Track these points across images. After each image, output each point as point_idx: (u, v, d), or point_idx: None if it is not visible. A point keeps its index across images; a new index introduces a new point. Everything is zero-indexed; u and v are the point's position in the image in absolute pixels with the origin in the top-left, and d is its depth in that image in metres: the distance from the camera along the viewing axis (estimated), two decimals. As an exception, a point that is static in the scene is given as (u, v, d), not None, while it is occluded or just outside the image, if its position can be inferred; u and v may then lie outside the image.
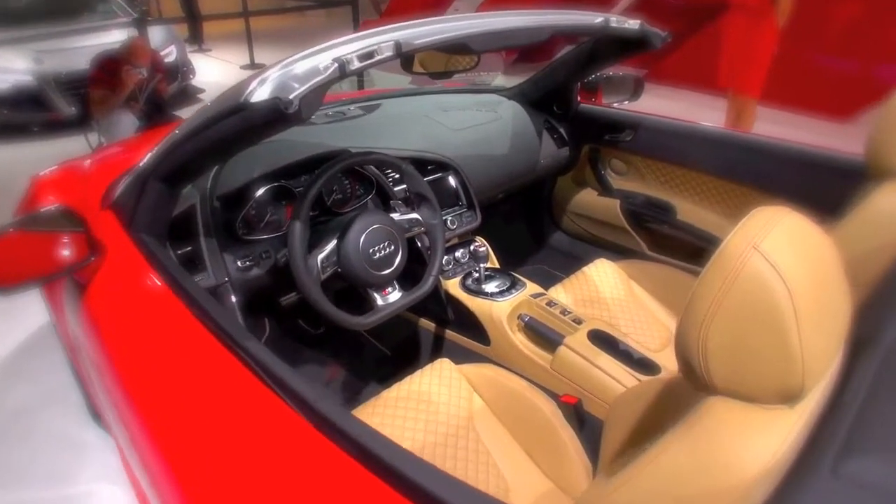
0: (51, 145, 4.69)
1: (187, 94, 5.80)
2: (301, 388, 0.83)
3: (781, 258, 0.57)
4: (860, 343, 0.71)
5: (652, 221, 2.08)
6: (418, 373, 1.42)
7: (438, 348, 1.77)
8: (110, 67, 3.56)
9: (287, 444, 0.82)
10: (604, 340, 1.46)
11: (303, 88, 0.89)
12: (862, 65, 4.69)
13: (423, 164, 1.73)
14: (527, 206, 2.45)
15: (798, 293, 0.56)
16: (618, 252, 2.19)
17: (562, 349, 1.44)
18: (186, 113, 2.45)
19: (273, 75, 0.92)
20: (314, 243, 1.29)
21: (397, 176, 1.60)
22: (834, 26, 4.80)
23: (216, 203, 1.36)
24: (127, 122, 3.55)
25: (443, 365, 1.44)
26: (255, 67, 6.91)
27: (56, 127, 4.85)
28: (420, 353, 1.82)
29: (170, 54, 5.38)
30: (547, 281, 1.77)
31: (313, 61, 0.94)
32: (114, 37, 4.82)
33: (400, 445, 0.74)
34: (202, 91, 5.98)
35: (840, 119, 4.44)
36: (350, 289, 1.35)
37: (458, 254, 1.77)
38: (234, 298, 1.30)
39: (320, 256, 1.24)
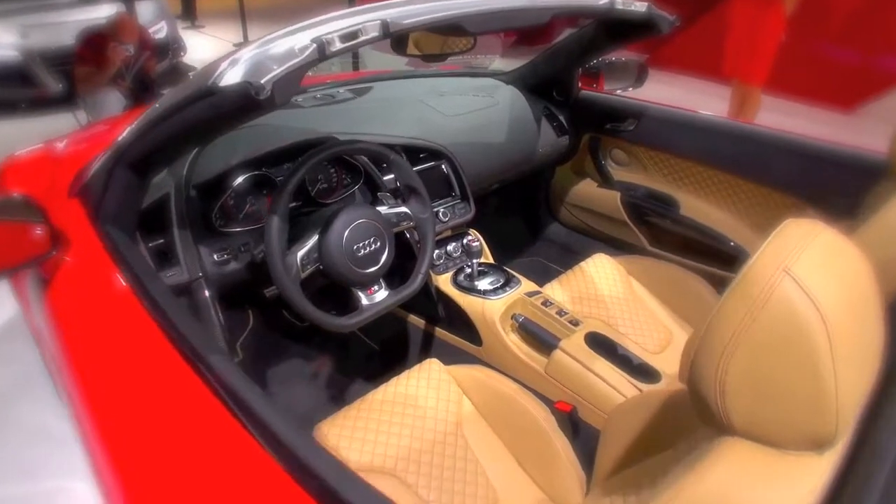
0: (42, 123, 4.56)
1: (178, 73, 5.66)
2: (264, 412, 0.75)
3: (815, 283, 0.49)
4: (892, 372, 0.63)
5: (653, 216, 2.00)
6: (405, 374, 1.35)
7: (427, 347, 1.69)
8: (96, 44, 3.45)
9: (240, 473, 0.74)
10: (602, 344, 1.39)
11: (276, 72, 0.80)
12: (867, 55, 4.59)
13: (415, 152, 1.64)
14: (523, 196, 2.37)
15: (834, 325, 0.48)
16: (617, 247, 2.12)
17: (557, 353, 1.37)
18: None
19: (245, 56, 0.83)
20: (295, 237, 1.20)
21: (386, 165, 1.52)
22: (840, 15, 4.69)
23: (192, 192, 1.27)
24: (113, 101, 3.44)
25: (431, 366, 1.37)
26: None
27: (44, 104, 4.71)
28: (409, 350, 1.75)
29: (159, 31, 5.22)
30: (543, 276, 1.70)
31: (290, 42, 0.85)
32: (103, 11, 4.65)
33: (371, 486, 0.65)
34: (193, 69, 5.84)
35: (844, 110, 4.35)
36: (334, 286, 1.27)
37: (449, 247, 1.69)
38: (207, 293, 1.22)
39: (300, 253, 1.15)
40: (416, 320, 1.71)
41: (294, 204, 1.40)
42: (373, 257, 1.22)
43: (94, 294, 1.07)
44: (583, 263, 1.75)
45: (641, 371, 1.34)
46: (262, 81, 0.79)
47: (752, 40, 3.65)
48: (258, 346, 1.80)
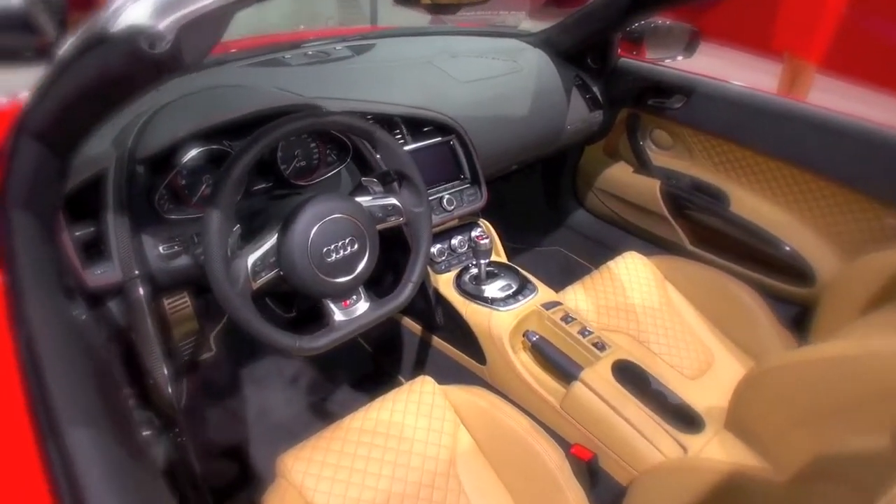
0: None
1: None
2: None
3: None
4: None
5: (697, 210, 1.73)
6: (391, 394, 1.12)
7: (423, 357, 1.44)
8: (90, -12, 3.17)
9: None
10: (632, 376, 1.14)
11: (182, 12, 0.53)
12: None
13: (418, 124, 1.37)
14: (545, 178, 2.09)
15: None
16: (652, 243, 1.87)
17: (577, 386, 1.12)
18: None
19: None
20: (255, 231, 0.95)
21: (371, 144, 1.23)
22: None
23: (139, 168, 1.01)
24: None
25: (424, 387, 1.13)
26: None
27: (47, 54, 4.47)
28: (402, 355, 1.50)
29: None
30: (564, 271, 1.46)
31: None
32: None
33: None
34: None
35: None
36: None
37: (454, 241, 1.42)
38: (142, 291, 0.96)
39: (254, 256, 0.89)
40: (411, 324, 1.46)
41: (262, 185, 1.14)
42: (347, 264, 0.96)
43: None
44: (611, 263, 1.49)
45: (680, 415, 1.09)
46: (161, 27, 0.53)
47: (810, 10, 3.29)
48: (234, 339, 1.57)
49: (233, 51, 1.41)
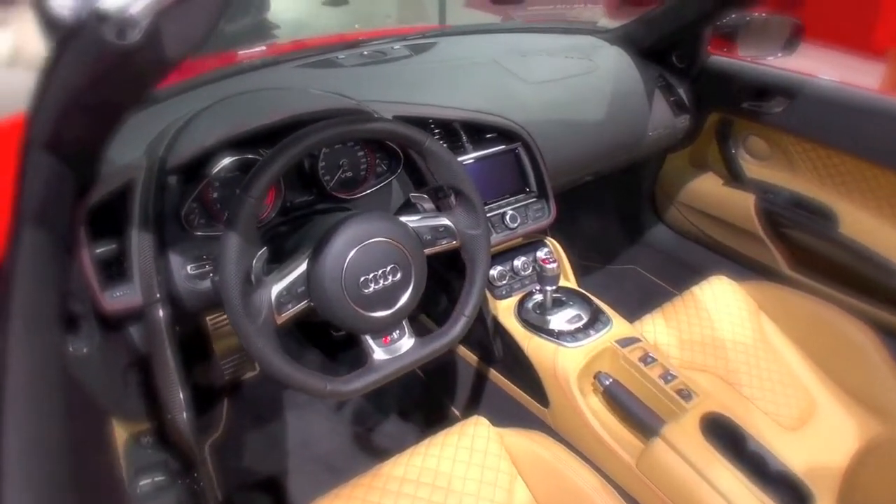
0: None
1: (262, 31, 5.41)
2: None
3: None
4: None
5: (799, 230, 1.53)
6: (440, 436, 0.98)
7: (478, 392, 1.30)
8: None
9: None
10: (724, 434, 0.96)
11: None
12: None
13: (479, 130, 1.23)
14: (621, 189, 1.90)
15: None
16: (743, 265, 1.67)
17: (658, 444, 0.94)
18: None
19: None
20: (286, 255, 0.83)
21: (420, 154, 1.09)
22: None
23: (170, 179, 0.92)
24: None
25: (477, 429, 0.99)
26: (340, 3, 6.41)
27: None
28: (456, 387, 1.36)
29: (238, -19, 4.98)
30: (641, 294, 1.29)
31: None
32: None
33: None
34: (277, 28, 5.57)
35: None
36: None
37: (517, 262, 1.27)
38: (161, 314, 0.86)
39: (278, 288, 0.77)
40: (466, 354, 1.32)
41: (303, 199, 1.02)
42: (387, 296, 0.82)
43: None
44: (696, 288, 1.31)
45: (783, 484, 0.91)
46: (133, 12, 0.41)
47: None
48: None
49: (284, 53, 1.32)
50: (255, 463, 1.35)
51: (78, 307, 0.75)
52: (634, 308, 1.27)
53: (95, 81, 0.52)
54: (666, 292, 1.78)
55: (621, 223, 1.97)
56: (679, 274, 1.75)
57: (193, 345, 1.31)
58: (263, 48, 1.42)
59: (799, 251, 1.56)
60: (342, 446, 1.38)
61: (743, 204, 1.59)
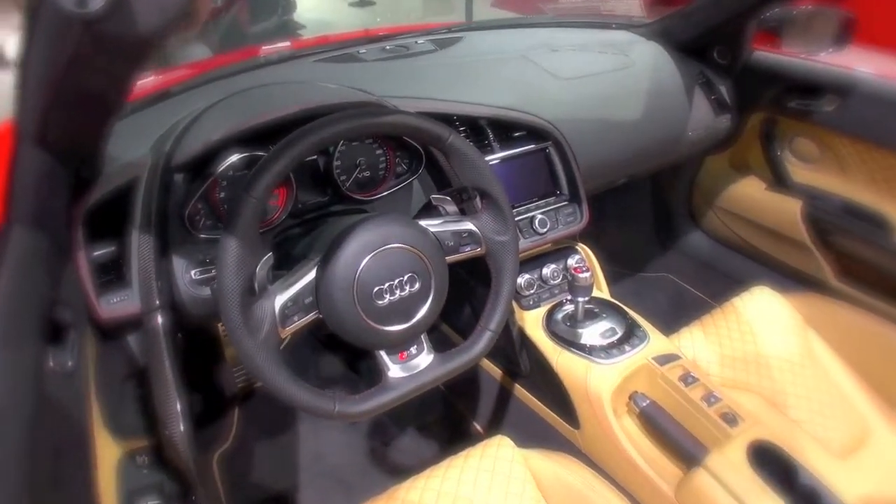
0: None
1: (287, 31, 5.37)
2: None
3: None
4: None
5: (849, 238, 1.42)
6: (461, 457, 0.91)
7: (502, 408, 1.22)
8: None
9: None
10: (774, 464, 0.87)
11: None
12: None
13: (507, 128, 1.15)
14: (655, 193, 1.81)
15: None
16: (785, 275, 1.56)
17: (700, 474, 0.86)
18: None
19: None
20: (291, 262, 0.77)
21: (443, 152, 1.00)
22: None
23: (176, 178, 0.86)
24: (199, 55, 3.18)
25: (501, 450, 0.92)
26: (367, 4, 6.35)
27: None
28: (479, 402, 1.28)
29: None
30: (674, 304, 1.20)
31: None
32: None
33: None
34: (302, 27, 5.53)
35: None
36: None
37: (546, 270, 1.18)
38: (160, 320, 0.80)
39: (283, 299, 0.70)
40: (490, 367, 1.24)
41: (316, 200, 0.95)
42: (404, 308, 0.75)
43: None
44: (737, 300, 1.22)
45: None
46: None
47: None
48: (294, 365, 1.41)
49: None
50: (264, 476, 1.29)
51: (67, 316, 0.69)
52: (668, 319, 1.19)
53: (70, 63, 0.45)
54: (701, 302, 1.69)
55: (653, 228, 1.87)
56: (715, 283, 1.66)
57: (204, 351, 1.26)
58: (287, 44, 1.37)
59: (848, 261, 1.45)
60: (356, 461, 1.31)
61: (788, 210, 1.49)
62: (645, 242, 1.86)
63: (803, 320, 1.19)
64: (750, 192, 1.60)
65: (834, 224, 1.43)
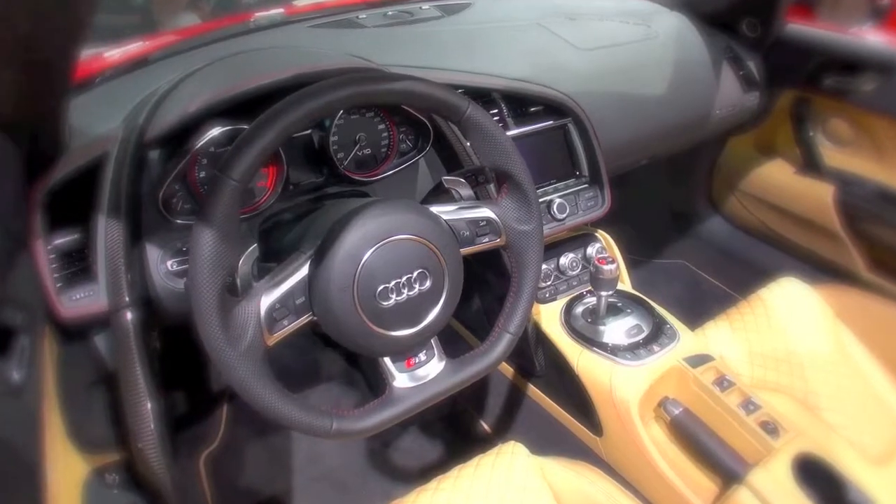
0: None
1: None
2: None
3: None
4: None
5: (885, 227, 1.34)
6: (471, 465, 0.82)
7: (514, 410, 1.13)
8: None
9: None
10: (822, 481, 0.79)
11: None
12: None
13: (523, 103, 1.04)
14: (671, 174, 1.71)
15: None
16: (811, 264, 1.49)
17: (742, 492, 0.78)
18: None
19: None
20: (280, 254, 0.66)
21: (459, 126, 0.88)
22: None
23: (150, 155, 0.75)
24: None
25: (514, 458, 0.83)
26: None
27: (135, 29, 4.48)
28: (488, 402, 1.19)
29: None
30: (688, 294, 1.09)
31: None
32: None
33: None
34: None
35: None
36: None
37: (563, 260, 1.09)
38: (129, 317, 0.70)
39: (269, 300, 0.59)
40: (502, 365, 1.15)
41: (310, 180, 0.85)
42: (413, 309, 0.64)
43: None
44: (763, 292, 1.13)
45: None
46: None
47: None
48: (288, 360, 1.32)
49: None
50: (254, 479, 1.21)
51: (17, 318, 0.59)
52: (684, 310, 1.10)
53: None
54: (719, 292, 1.61)
55: (668, 212, 1.78)
56: (734, 272, 1.59)
57: (186, 344, 1.17)
58: (280, 10, 1.27)
59: (881, 251, 1.37)
60: (355, 463, 1.22)
61: (819, 195, 1.40)
62: (659, 227, 1.78)
63: (833, 314, 1.10)
64: (777, 175, 1.51)
65: (868, 211, 1.35)
